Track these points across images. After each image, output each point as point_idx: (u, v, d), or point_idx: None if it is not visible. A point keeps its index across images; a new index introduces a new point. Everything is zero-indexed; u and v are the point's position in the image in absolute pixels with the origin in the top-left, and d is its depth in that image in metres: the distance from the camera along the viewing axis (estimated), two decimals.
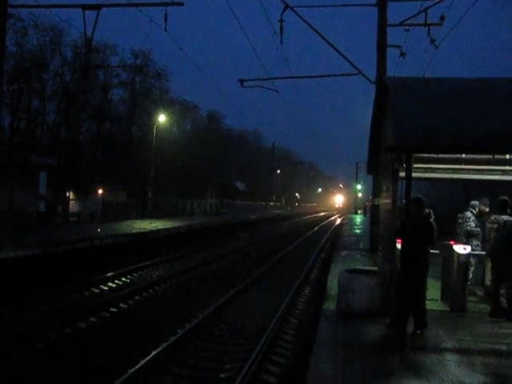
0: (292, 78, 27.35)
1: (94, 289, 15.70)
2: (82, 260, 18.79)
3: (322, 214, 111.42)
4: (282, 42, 20.94)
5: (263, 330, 10.93)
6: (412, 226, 8.44)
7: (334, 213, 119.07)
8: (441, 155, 8.90)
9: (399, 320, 8.26)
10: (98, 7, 20.84)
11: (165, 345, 9.67)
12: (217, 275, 19.37)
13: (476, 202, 11.63)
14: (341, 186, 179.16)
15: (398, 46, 20.70)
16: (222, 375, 8.68)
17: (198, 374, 8.75)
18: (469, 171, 11.03)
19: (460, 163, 10.10)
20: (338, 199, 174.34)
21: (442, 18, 18.88)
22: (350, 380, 6.58)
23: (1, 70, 23.65)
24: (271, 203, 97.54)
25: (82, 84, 48.44)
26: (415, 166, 8.09)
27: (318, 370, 6.83)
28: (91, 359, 9.26)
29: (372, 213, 21.68)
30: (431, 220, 8.78)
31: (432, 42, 19.39)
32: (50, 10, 24.93)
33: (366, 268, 12.19)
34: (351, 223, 54.10)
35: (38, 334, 10.41)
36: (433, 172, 11.31)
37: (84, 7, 20.90)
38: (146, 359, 8.76)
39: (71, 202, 36.15)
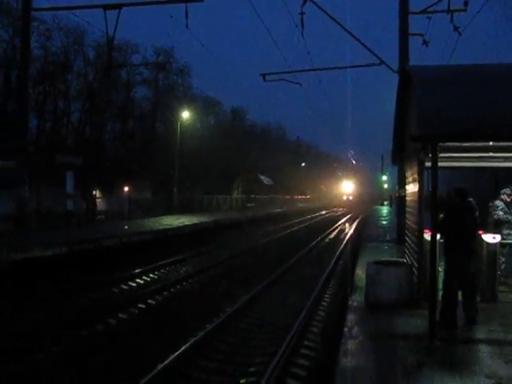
0: (314, 70, 27.20)
1: (122, 285, 15.85)
2: (110, 257, 19.00)
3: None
4: (303, 35, 20.84)
5: (287, 331, 10.94)
6: (456, 217, 8.37)
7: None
8: (467, 143, 8.76)
9: (445, 312, 8.25)
10: (119, 6, 21.00)
11: (193, 340, 9.73)
12: (244, 269, 19.39)
13: (507, 190, 11.46)
14: (353, 161, 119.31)
15: (421, 34, 20.40)
16: (252, 369, 8.71)
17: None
18: (497, 159, 10.84)
19: (487, 151, 9.93)
20: (347, 187, 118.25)
21: (466, 3, 18.53)
22: (379, 372, 6.54)
23: (26, 73, 24.06)
24: (298, 196, 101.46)
25: (105, 83, 48.86)
26: (441, 155, 7.97)
27: (346, 362, 6.80)
28: (121, 354, 9.37)
29: (398, 204, 21.48)
30: (475, 207, 8.64)
31: (455, 28, 19.07)
32: (72, 12, 25.12)
33: (394, 259, 12.10)
34: (377, 215, 53.76)
35: (69, 330, 10.57)
36: (459, 161, 11.15)
37: (105, 7, 21.08)
38: (175, 354, 8.84)
39: (98, 201, 36.50)
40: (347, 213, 70.64)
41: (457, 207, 8.51)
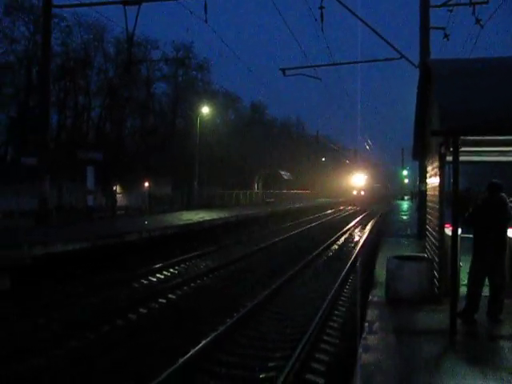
0: (334, 64, 27.08)
1: (143, 280, 15.96)
2: (131, 252, 19.14)
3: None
4: (322, 30, 20.75)
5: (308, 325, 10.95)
6: (489, 211, 8.30)
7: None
8: (489, 137, 8.66)
9: (468, 307, 8.20)
10: (138, 2, 21.11)
11: (213, 334, 9.78)
12: (264, 265, 19.41)
13: None
14: (366, 147, 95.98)
15: (442, 28, 20.23)
16: (271, 364, 8.74)
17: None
18: None
19: (510, 145, 9.80)
20: (358, 180, 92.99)
21: None
22: (400, 367, 6.51)
23: (47, 70, 24.29)
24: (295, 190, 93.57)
25: (125, 79, 49.19)
26: (463, 149, 7.88)
27: (366, 358, 6.77)
28: (142, 348, 9.45)
29: (419, 198, 21.33)
30: (508, 202, 8.55)
31: (477, 21, 18.86)
32: (92, 8, 25.32)
33: (415, 254, 12.02)
34: (398, 209, 53.43)
35: (89, 326, 10.68)
36: (481, 155, 11.01)
37: (125, 3, 21.20)
38: (195, 348, 8.89)
39: (118, 196, 36.79)
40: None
41: (488, 201, 8.42)
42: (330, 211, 60.21)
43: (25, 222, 22.38)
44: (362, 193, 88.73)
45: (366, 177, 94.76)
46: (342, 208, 70.89)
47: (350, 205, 76.16)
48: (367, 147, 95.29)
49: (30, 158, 25.53)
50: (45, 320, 11.26)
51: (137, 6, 21.09)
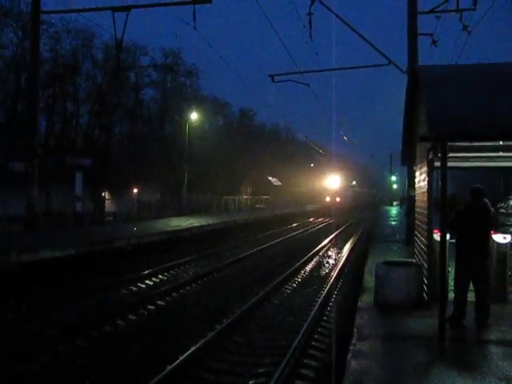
0: (322, 71, 27.17)
1: (131, 287, 15.86)
2: (120, 258, 19.05)
3: None
4: (311, 36, 20.81)
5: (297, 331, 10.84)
6: (471, 216, 8.33)
7: None
8: (476, 143, 8.70)
9: (456, 313, 8.22)
10: (127, 8, 21.08)
11: (202, 341, 9.72)
12: (252, 271, 19.35)
13: None
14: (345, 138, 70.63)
15: (430, 34, 20.35)
16: (261, 369, 8.66)
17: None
18: (507, 158, 10.77)
19: (497, 151, 9.86)
20: (333, 183, 73.75)
21: (475, 1, 18.47)
22: (388, 374, 6.50)
23: (36, 76, 24.18)
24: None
25: (114, 85, 49.07)
26: (450, 155, 7.92)
27: (355, 364, 6.76)
28: (129, 355, 9.37)
29: (408, 204, 21.40)
30: (490, 208, 8.58)
31: (465, 28, 19.00)
32: (81, 14, 25.25)
33: (403, 259, 12.05)
34: (386, 215, 53.59)
35: (78, 331, 10.59)
36: (469, 161, 11.09)
37: (114, 9, 21.16)
38: (184, 355, 8.83)
39: (107, 202, 36.63)
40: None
41: (471, 206, 8.46)
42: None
43: (12, 227, 22.23)
44: (337, 199, 66.32)
45: (342, 179, 73.49)
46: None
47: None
48: (345, 138, 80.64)
49: (17, 164, 25.35)
50: (32, 326, 11.17)
51: (125, 13, 21.06)
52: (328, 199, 67.82)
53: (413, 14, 19.69)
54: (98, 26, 32.29)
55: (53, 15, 33.57)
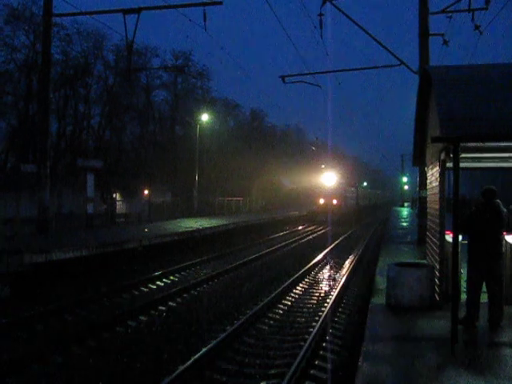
0: (333, 71, 27.19)
1: (142, 288, 15.91)
2: (131, 260, 19.13)
3: None
4: (322, 37, 20.80)
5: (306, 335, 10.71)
6: (483, 217, 8.28)
7: None
8: (489, 144, 8.65)
9: (469, 315, 8.16)
10: (138, 11, 21.14)
11: (214, 342, 9.73)
12: (261, 272, 19.34)
13: None
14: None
15: (441, 34, 20.27)
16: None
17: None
18: None
19: (510, 151, 9.79)
20: (328, 182, 53.82)
21: (487, 1, 18.37)
22: (401, 376, 6.47)
23: (47, 78, 24.31)
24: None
25: (125, 87, 49.28)
26: (463, 155, 7.87)
27: (367, 366, 6.73)
28: (142, 356, 9.40)
29: (419, 205, 21.32)
30: (503, 208, 8.52)
31: (476, 27, 18.91)
32: (92, 16, 25.36)
33: (415, 261, 12.01)
34: (398, 216, 53.34)
35: (90, 332, 10.64)
36: (482, 161, 11.02)
37: (125, 11, 21.24)
38: (195, 356, 8.85)
39: (118, 203, 36.76)
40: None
41: (483, 207, 8.41)
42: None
43: (25, 229, 22.35)
44: (334, 202, 50.17)
45: (340, 176, 57.69)
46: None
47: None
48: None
49: (30, 166, 25.53)
50: (42, 327, 11.25)
51: (136, 15, 21.14)
52: (322, 201, 49.93)
53: (424, 14, 19.63)
54: (109, 28, 32.53)
55: (64, 18, 33.73)
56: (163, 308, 13.32)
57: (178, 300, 14.30)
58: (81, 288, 15.13)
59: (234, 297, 14.59)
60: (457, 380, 6.24)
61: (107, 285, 15.76)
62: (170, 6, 21.78)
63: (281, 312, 13.02)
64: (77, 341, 10.14)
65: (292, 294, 15.05)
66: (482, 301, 8.44)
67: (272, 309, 13.11)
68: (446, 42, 20.43)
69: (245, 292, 15.22)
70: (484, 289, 8.45)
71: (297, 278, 16.99)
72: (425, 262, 11.91)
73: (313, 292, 15.56)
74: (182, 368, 8.30)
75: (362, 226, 45.86)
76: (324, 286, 16.53)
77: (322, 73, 26.86)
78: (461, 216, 8.20)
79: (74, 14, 25.83)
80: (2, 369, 8.47)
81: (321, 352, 9.56)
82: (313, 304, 13.92)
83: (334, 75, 27.84)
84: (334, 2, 19.70)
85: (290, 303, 13.99)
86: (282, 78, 25.00)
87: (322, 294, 15.07)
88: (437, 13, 20.03)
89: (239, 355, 9.51)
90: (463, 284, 8.81)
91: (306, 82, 26.43)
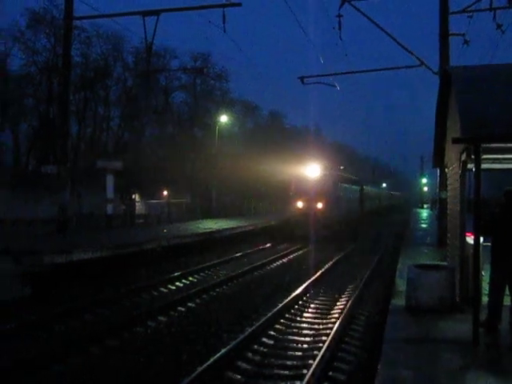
0: (352, 72, 27.01)
1: (162, 288, 15.97)
2: (150, 260, 19.22)
3: None
4: (340, 38, 20.74)
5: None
6: (506, 219, 8.19)
7: None
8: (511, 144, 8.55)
9: (491, 317, 8.07)
10: (157, 13, 21.24)
11: (233, 343, 9.73)
12: (281, 273, 19.30)
13: None
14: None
15: (462, 35, 20.08)
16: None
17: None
18: None
19: None
20: (312, 174, 32.53)
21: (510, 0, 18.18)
22: (421, 378, 6.42)
23: (68, 80, 24.56)
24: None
25: (144, 88, 49.58)
26: (484, 156, 7.80)
27: (387, 368, 6.69)
28: (161, 356, 9.43)
29: (439, 206, 21.15)
30: None
31: (498, 27, 18.72)
32: (112, 19, 25.53)
33: (435, 263, 11.91)
34: (417, 218, 52.89)
35: (110, 332, 10.72)
36: (503, 162, 10.89)
37: (144, 13, 21.35)
38: (214, 357, 8.86)
39: (137, 204, 36.96)
40: None
41: (505, 209, 8.31)
42: None
43: (45, 229, 22.58)
44: (320, 205, 32.38)
45: (329, 168, 36.74)
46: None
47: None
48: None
49: (50, 167, 25.76)
50: (62, 327, 11.36)
51: (155, 17, 21.24)
52: (300, 205, 32.57)
53: (444, 13, 19.46)
54: (129, 31, 32.75)
55: (84, 20, 33.99)
56: (182, 309, 13.37)
57: (197, 301, 14.35)
58: (100, 288, 15.24)
59: (252, 298, 14.62)
60: (478, 383, 6.18)
61: (126, 285, 15.85)
62: (189, 8, 21.87)
63: (305, 310, 12.96)
64: (96, 341, 10.21)
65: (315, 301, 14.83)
66: (504, 303, 8.34)
67: (291, 309, 13.07)
68: (466, 42, 20.24)
69: (263, 293, 15.25)
70: (507, 291, 8.34)
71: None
72: (445, 263, 11.80)
73: None
74: (200, 369, 8.33)
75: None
76: None
77: (341, 74, 26.73)
78: (482, 217, 8.12)
79: (93, 17, 26.04)
80: (22, 368, 8.55)
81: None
82: None
83: (353, 76, 27.64)
84: (352, 2, 19.64)
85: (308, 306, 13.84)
86: (301, 78, 24.99)
87: None
88: (457, 12, 19.86)
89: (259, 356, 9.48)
90: (484, 286, 8.70)
91: (324, 83, 26.37)
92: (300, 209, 32.26)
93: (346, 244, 28.08)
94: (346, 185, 36.86)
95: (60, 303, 13.30)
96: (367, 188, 51.17)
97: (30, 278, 13.95)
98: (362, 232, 37.37)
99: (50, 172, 25.00)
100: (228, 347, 9.38)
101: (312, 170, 32.59)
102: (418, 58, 20.35)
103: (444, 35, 19.44)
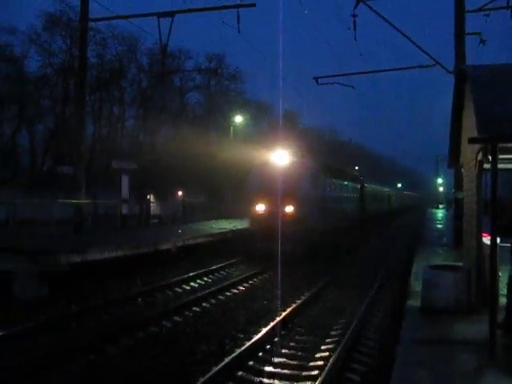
0: (367, 72, 26.95)
1: (177, 288, 16.02)
2: (165, 260, 19.28)
3: None
4: (355, 37, 20.70)
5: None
6: None
7: None
8: None
9: (509, 318, 7.99)
10: (172, 14, 21.33)
11: (248, 343, 9.74)
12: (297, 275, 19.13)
13: None
14: None
15: (478, 34, 19.93)
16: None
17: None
18: None
19: None
20: (279, 160, 22.55)
21: None
22: (437, 380, 6.38)
23: (83, 81, 24.71)
24: None
25: (159, 89, 49.81)
26: (501, 156, 7.72)
27: (402, 370, 6.65)
28: (175, 355, 9.46)
29: (455, 207, 20.99)
30: None
31: None
32: (127, 20, 25.66)
33: (450, 263, 11.83)
34: (433, 218, 52.56)
35: (125, 331, 10.78)
36: None
37: (159, 15, 21.45)
38: (229, 357, 8.87)
39: (152, 205, 37.05)
40: None
41: None
42: None
43: (61, 229, 22.70)
44: (290, 208, 21.83)
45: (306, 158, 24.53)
46: None
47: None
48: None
49: (66, 168, 25.96)
50: (78, 326, 11.45)
51: (170, 18, 21.33)
52: (261, 209, 22.74)
53: (460, 12, 19.30)
54: (144, 32, 32.88)
55: (99, 22, 34.22)
56: (197, 309, 13.41)
57: (212, 301, 14.38)
58: (115, 288, 15.34)
59: (267, 299, 14.60)
60: None
61: (141, 285, 15.94)
62: (203, 9, 21.95)
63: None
64: (111, 340, 10.28)
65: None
66: None
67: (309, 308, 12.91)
68: (482, 41, 20.10)
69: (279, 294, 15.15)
70: None
71: None
72: (461, 264, 11.72)
73: None
74: (215, 369, 8.35)
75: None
76: None
77: (355, 74, 26.66)
78: (499, 218, 8.04)
79: (109, 19, 26.19)
80: (38, 367, 8.63)
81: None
82: None
83: (367, 76, 27.50)
84: (367, 2, 19.57)
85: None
86: (316, 79, 24.94)
87: None
88: (473, 11, 19.71)
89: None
90: (501, 287, 8.63)
91: (339, 84, 26.29)
92: (260, 214, 22.34)
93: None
94: (335, 180, 27.44)
95: (76, 302, 13.41)
96: (371, 186, 42.69)
97: (46, 277, 14.06)
98: (366, 240, 31.15)
99: (66, 172, 25.20)
100: None
101: (280, 157, 22.57)
102: (432, 57, 20.22)
103: (460, 34, 19.29)
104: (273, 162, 22.64)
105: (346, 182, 30.80)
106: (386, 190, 58.76)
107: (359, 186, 35.77)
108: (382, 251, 26.57)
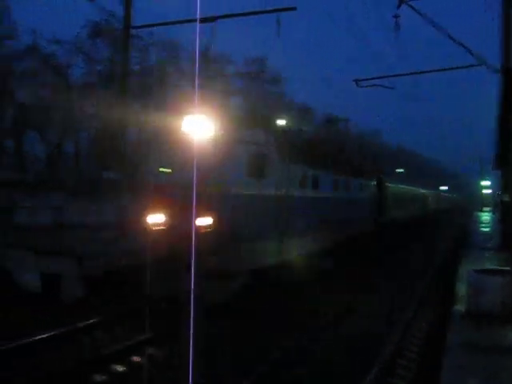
0: (409, 74, 26.50)
1: None
2: None
3: None
4: (398, 38, 20.43)
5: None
6: None
7: None
8: None
9: None
10: (213, 19, 21.49)
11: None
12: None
13: None
14: None
15: None
16: None
17: None
18: None
19: None
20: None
21: None
22: None
23: (125, 88, 25.12)
24: None
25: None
26: None
27: (449, 376, 6.53)
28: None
29: (502, 209, 20.51)
30: None
31: None
32: (168, 27, 25.95)
33: (498, 267, 11.56)
34: (478, 221, 51.39)
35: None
36: None
37: (200, 20, 21.62)
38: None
39: None
40: None
41: None
42: None
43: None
44: (207, 220, 11.57)
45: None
46: None
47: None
48: None
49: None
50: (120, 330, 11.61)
51: (212, 23, 21.48)
52: (158, 219, 12.25)
53: (507, 10, 18.84)
54: (185, 38, 33.25)
55: (141, 29, 34.73)
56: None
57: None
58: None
59: None
60: None
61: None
62: (244, 14, 22.07)
63: None
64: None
65: None
66: None
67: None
68: None
69: None
70: None
71: None
72: (508, 268, 11.44)
73: None
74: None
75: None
76: None
77: (397, 76, 26.27)
78: None
79: (151, 26, 26.58)
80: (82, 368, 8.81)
81: None
82: None
83: (410, 77, 26.95)
84: (409, 3, 19.31)
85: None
86: (356, 81, 24.74)
87: None
88: None
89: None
90: None
91: (380, 86, 25.97)
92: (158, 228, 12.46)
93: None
94: (323, 174, 20.82)
95: (119, 304, 13.60)
96: (395, 186, 35.08)
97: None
98: (381, 261, 22.61)
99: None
100: None
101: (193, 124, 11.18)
102: (478, 57, 19.78)
103: (506, 32, 18.82)
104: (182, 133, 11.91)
105: (351, 179, 24.69)
106: (423, 191, 52.27)
107: (374, 185, 28.31)
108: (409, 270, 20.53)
